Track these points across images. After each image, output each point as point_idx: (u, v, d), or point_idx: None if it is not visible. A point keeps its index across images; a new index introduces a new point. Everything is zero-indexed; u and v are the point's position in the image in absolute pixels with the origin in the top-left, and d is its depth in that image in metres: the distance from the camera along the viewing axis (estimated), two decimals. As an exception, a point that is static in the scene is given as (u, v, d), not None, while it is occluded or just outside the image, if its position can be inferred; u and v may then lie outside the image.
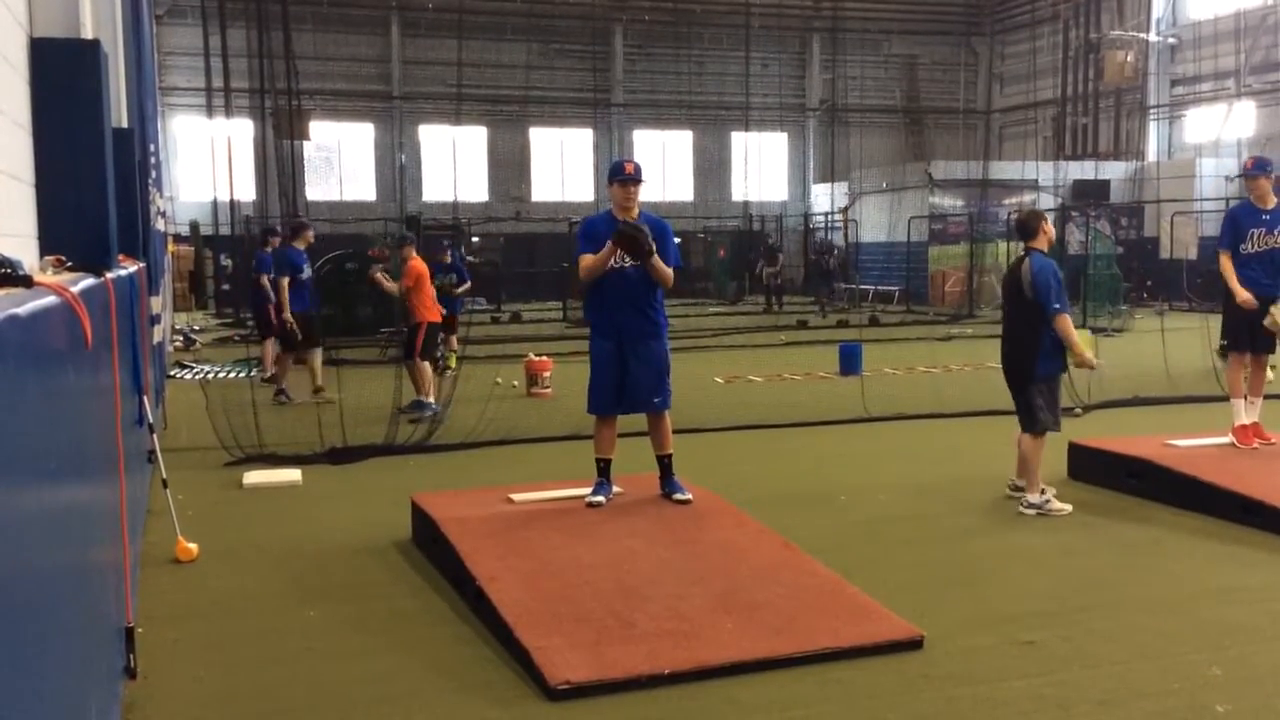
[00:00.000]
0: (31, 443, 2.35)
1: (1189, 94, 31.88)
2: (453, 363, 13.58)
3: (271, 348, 13.81)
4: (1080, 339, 6.94)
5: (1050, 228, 7.26)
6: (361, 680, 4.47)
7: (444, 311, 12.27)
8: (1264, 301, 7.68)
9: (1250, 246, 7.72)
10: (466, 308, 15.65)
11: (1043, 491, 7.04)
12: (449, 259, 14.82)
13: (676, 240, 6.64)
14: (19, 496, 2.17)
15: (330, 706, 4.25)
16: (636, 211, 6.37)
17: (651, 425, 6.49)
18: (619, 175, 6.39)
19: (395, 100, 33.88)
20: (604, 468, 6.47)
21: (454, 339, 14.16)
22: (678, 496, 6.39)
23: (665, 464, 6.51)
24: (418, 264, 11.50)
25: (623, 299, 6.30)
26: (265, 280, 13.63)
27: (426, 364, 11.39)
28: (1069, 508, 6.98)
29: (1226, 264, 7.80)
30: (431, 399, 11.03)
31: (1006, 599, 5.41)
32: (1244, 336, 7.85)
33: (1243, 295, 7.64)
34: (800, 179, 38.54)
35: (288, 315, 12.04)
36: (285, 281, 12.11)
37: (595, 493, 6.37)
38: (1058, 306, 6.86)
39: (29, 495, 2.30)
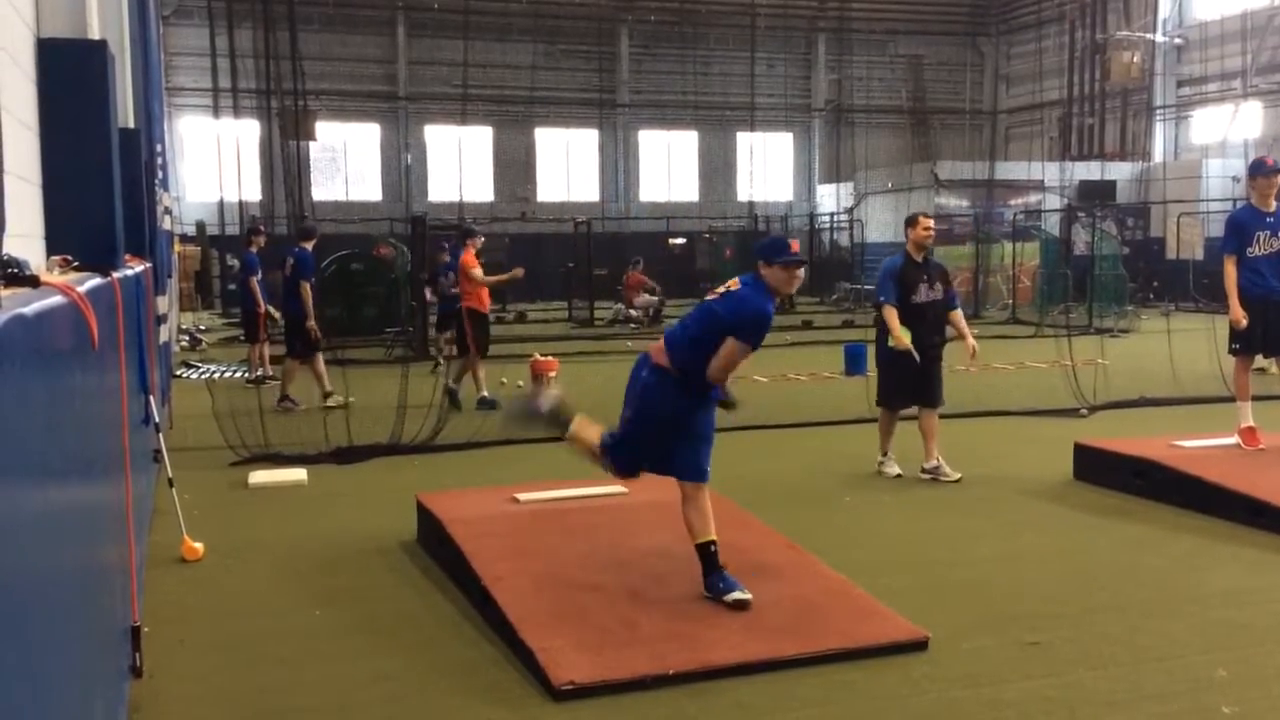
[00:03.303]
0: (38, 442, 2.36)
1: (1195, 94, 31.82)
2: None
3: (259, 351, 13.78)
4: (902, 330, 7.85)
5: (920, 232, 8.02)
6: (367, 680, 4.47)
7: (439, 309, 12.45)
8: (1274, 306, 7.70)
9: (1257, 250, 7.68)
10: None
11: (886, 455, 8.25)
12: (448, 258, 14.91)
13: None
14: (25, 496, 2.17)
15: (335, 706, 4.26)
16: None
17: None
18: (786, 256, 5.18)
19: (401, 101, 33.90)
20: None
21: (446, 336, 14.23)
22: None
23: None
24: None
25: None
26: (254, 282, 13.56)
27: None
28: (896, 471, 8.14)
29: (1231, 271, 7.73)
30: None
31: (1012, 600, 5.41)
32: (1256, 339, 7.82)
33: (1239, 313, 7.64)
34: (806, 179, 38.52)
35: (311, 323, 11.67)
36: (307, 285, 11.74)
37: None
38: (881, 299, 8.03)
39: (35, 495, 2.31)
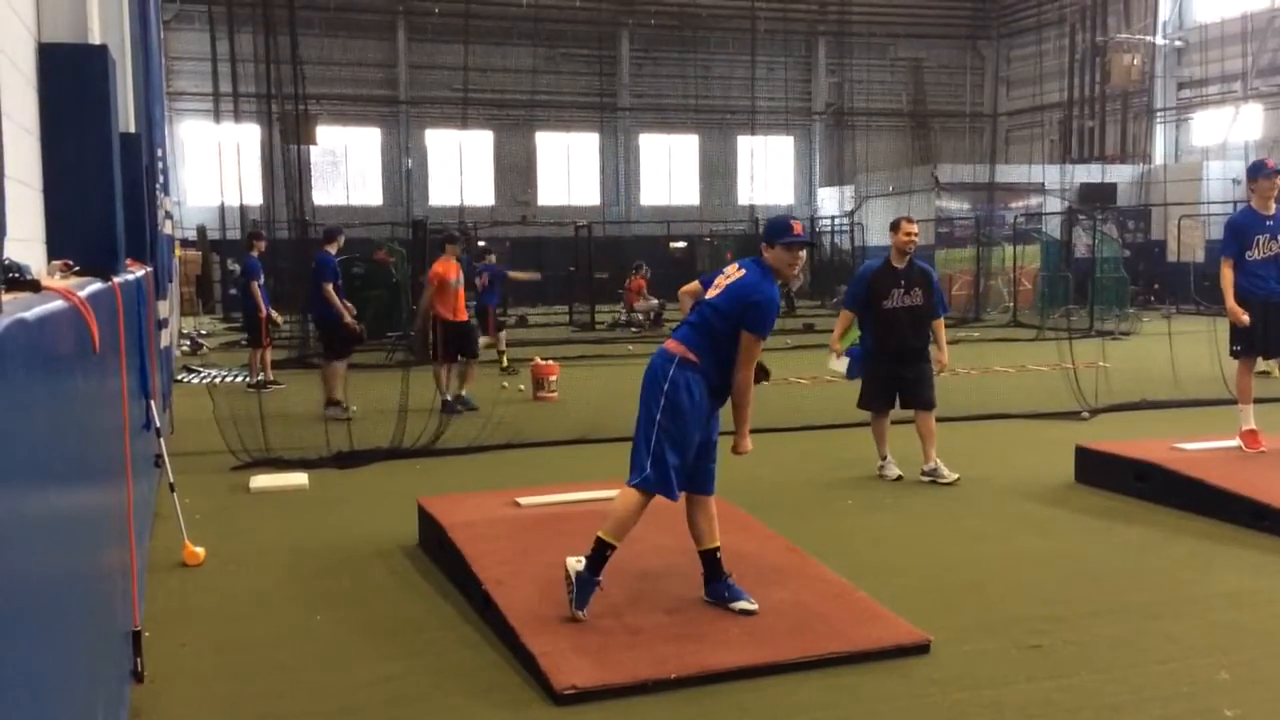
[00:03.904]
0: (38, 447, 2.36)
1: (1195, 97, 31.83)
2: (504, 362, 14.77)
3: (260, 356, 13.79)
4: (848, 335, 8.14)
5: (901, 237, 8.04)
6: (368, 684, 4.47)
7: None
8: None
9: (1257, 253, 7.66)
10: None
11: (885, 459, 8.29)
12: (493, 258, 15.36)
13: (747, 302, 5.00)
14: (26, 501, 2.17)
15: (336, 710, 4.25)
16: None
17: None
18: (789, 237, 5.07)
19: (402, 105, 33.95)
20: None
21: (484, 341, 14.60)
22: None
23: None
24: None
25: None
26: (255, 286, 13.58)
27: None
28: (897, 473, 8.16)
29: (1228, 274, 7.71)
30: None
31: (1013, 603, 5.40)
32: (1258, 340, 7.81)
33: (1238, 312, 7.61)
34: (806, 182, 38.55)
35: (349, 320, 11.56)
36: (329, 286, 11.56)
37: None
38: (847, 302, 8.30)
39: (36, 499, 2.31)
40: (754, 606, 4.94)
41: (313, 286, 11.81)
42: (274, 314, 13.98)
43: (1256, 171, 7.86)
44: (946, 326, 8.43)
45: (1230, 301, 7.67)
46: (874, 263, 8.25)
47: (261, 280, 13.67)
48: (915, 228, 8.23)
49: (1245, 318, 7.59)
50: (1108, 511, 7.18)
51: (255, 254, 13.81)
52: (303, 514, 7.46)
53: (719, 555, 5.08)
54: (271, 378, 13.79)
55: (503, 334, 15.65)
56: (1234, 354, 7.94)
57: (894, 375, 8.02)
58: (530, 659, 4.45)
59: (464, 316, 11.82)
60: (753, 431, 5.22)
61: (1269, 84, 29.07)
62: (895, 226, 8.14)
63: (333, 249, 12.00)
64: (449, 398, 11.43)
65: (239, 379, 14.60)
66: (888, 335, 7.97)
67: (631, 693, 4.25)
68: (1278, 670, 4.53)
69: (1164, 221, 28.55)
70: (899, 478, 8.12)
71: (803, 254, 5.18)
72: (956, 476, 7.94)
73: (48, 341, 2.52)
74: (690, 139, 37.05)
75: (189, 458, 8.90)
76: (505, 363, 15.00)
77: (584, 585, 4.85)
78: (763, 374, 5.22)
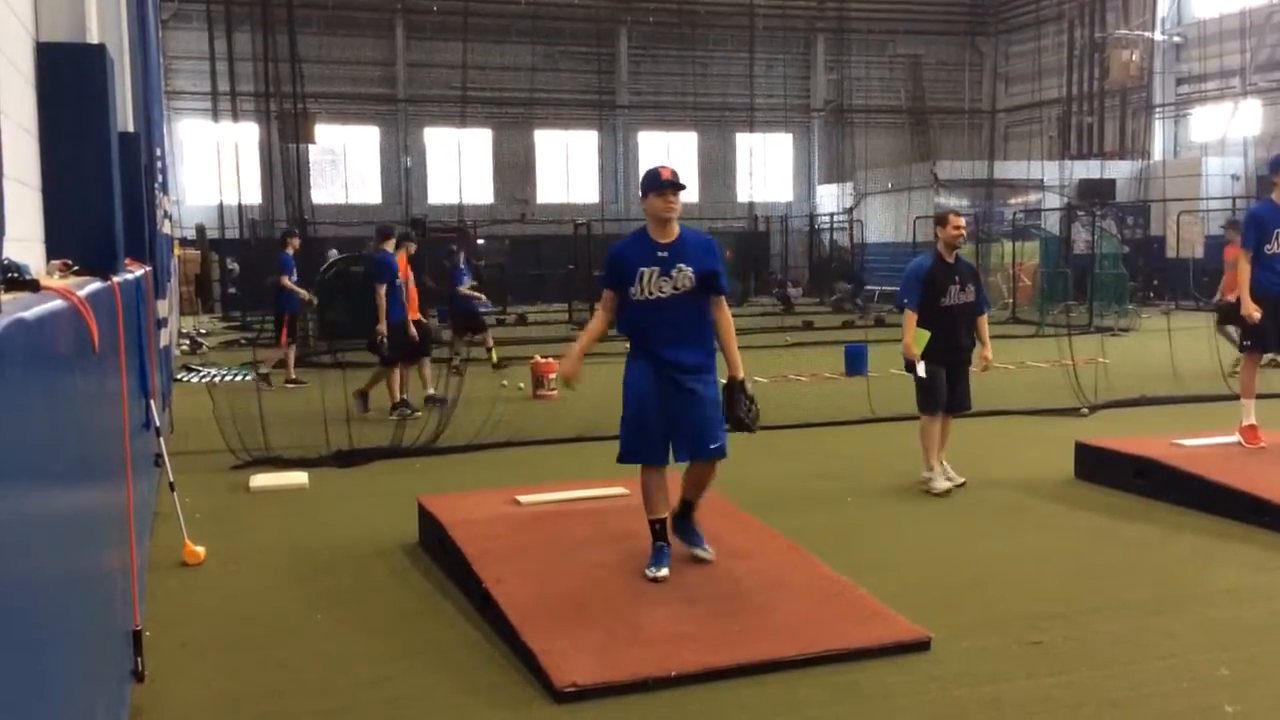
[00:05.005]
0: (38, 447, 2.36)
1: (1194, 92, 31.80)
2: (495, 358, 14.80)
3: (278, 351, 13.86)
4: (917, 337, 7.60)
5: (950, 231, 7.72)
6: (368, 683, 4.48)
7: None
8: None
9: (1275, 246, 7.60)
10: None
11: (930, 469, 7.74)
12: (462, 263, 15.18)
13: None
14: (26, 500, 2.17)
15: (336, 709, 4.26)
16: (677, 228, 5.34)
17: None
18: (656, 184, 5.27)
19: (400, 103, 33.90)
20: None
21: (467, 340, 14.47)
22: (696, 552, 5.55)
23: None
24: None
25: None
26: (287, 281, 13.77)
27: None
28: (947, 486, 7.65)
29: (1245, 267, 7.65)
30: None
31: (1014, 600, 5.40)
32: (1271, 336, 7.79)
33: (1251, 309, 7.54)
34: (805, 179, 38.50)
35: (381, 326, 11.08)
36: (383, 289, 11.07)
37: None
38: (905, 302, 7.70)
39: (36, 499, 2.31)
40: (709, 555, 5.45)
41: (364, 288, 11.68)
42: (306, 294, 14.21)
43: (1278, 166, 7.83)
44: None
45: (1245, 296, 7.60)
46: (924, 259, 7.83)
47: (295, 277, 13.83)
48: (963, 221, 7.92)
49: (1257, 315, 7.52)
50: (1107, 508, 7.18)
51: (290, 251, 14.00)
52: (303, 513, 7.46)
53: (693, 508, 5.55)
54: (293, 376, 13.90)
55: (488, 332, 15.44)
56: (1243, 348, 7.92)
57: (948, 376, 7.68)
58: (531, 657, 4.45)
59: (414, 315, 11.59)
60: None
61: (1267, 79, 29.04)
62: (943, 221, 7.77)
63: (389, 246, 11.39)
64: (435, 393, 11.48)
65: (239, 378, 14.60)
66: (947, 334, 7.63)
67: (632, 690, 4.25)
68: (1278, 666, 4.53)
69: (1163, 217, 28.53)
70: (948, 490, 7.66)
71: (673, 196, 5.26)
72: (948, 488, 7.66)
73: (47, 341, 2.52)
74: (689, 136, 37.00)
75: (189, 457, 8.91)
76: (495, 359, 14.94)
77: (654, 549, 5.43)
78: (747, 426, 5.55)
